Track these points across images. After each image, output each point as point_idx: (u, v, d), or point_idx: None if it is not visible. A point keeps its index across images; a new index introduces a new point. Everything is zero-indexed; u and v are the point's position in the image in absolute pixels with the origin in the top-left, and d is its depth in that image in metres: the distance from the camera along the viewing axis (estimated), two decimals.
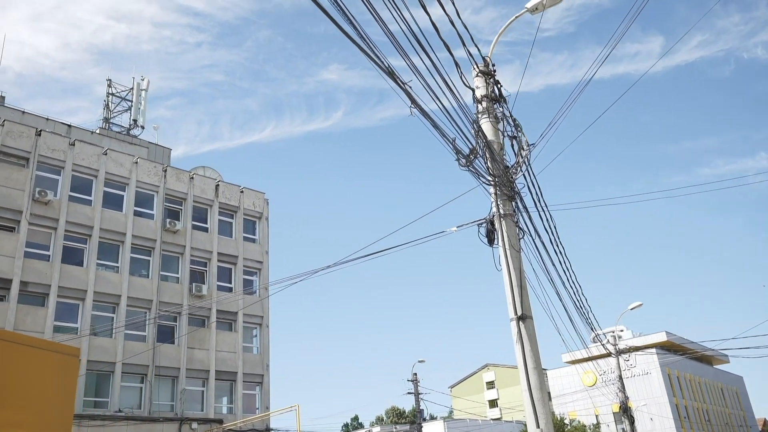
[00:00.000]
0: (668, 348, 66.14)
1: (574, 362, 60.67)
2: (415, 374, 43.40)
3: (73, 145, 30.04)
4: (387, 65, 5.45)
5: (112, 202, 30.70)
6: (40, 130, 29.36)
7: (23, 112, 31.81)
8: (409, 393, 43.40)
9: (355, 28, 5.74)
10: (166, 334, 30.51)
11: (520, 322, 9.14)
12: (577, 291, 15.27)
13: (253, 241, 35.53)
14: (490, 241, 10.12)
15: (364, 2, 5.62)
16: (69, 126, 33.11)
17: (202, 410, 30.49)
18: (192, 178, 33.91)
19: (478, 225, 10.22)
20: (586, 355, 29.60)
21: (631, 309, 30.61)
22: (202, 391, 30.88)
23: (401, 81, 5.90)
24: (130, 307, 29.47)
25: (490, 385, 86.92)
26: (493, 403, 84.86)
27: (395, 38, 6.50)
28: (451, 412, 79.66)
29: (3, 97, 31.80)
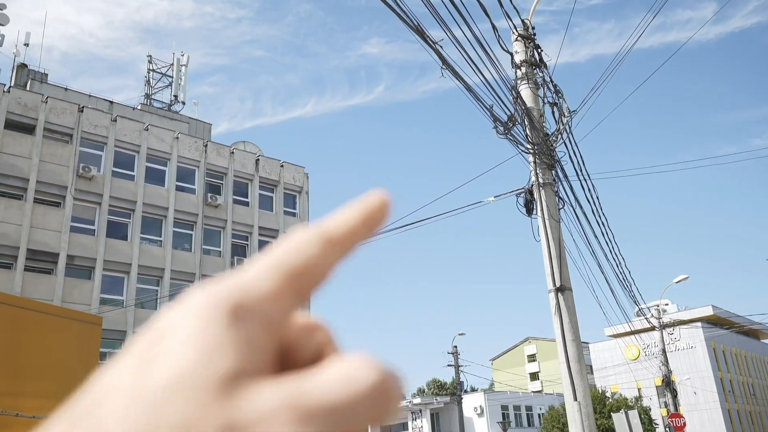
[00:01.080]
0: (714, 322, 64.67)
1: (616, 336, 59.85)
2: (455, 347, 43.39)
3: (115, 121, 30.46)
4: (416, 23, 5.23)
5: (155, 177, 31.13)
6: (83, 107, 29.83)
7: (66, 89, 32.34)
8: (449, 365, 43.50)
9: None
10: None
11: (559, 294, 8.90)
12: (620, 263, 14.87)
13: (294, 215, 35.69)
14: (529, 211, 9.85)
15: None
16: (111, 102, 33.57)
17: None
18: (232, 152, 34.13)
19: (517, 195, 9.97)
20: (629, 329, 29.06)
21: (677, 282, 29.86)
22: None
23: (431, 40, 5.66)
24: (174, 280, 29.99)
25: (532, 358, 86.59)
26: (534, 376, 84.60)
27: (433, 7, 6.26)
28: (491, 385, 79.74)
29: (46, 75, 32.37)
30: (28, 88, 30.70)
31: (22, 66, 32.14)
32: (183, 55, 38.67)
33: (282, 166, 35.87)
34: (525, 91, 10.17)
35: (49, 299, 25.80)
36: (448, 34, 6.81)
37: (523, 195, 9.88)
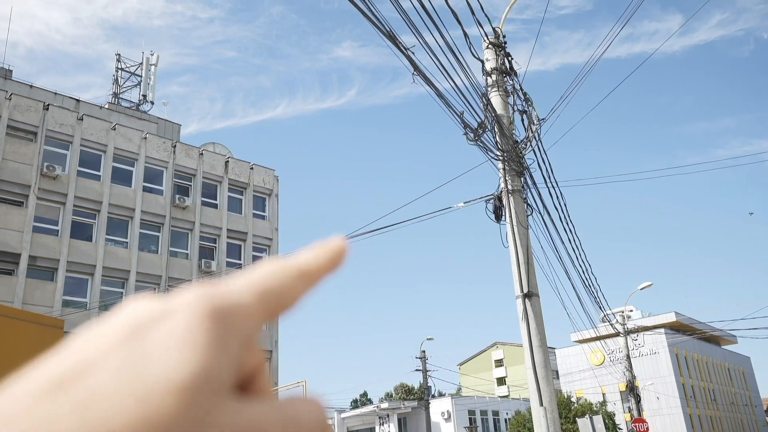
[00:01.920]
0: (677, 328, 65.92)
1: (582, 341, 60.66)
2: (423, 351, 43.49)
3: (81, 119, 29.93)
4: (388, 29, 5.24)
5: (121, 177, 30.66)
6: (48, 105, 29.25)
7: (31, 86, 31.70)
8: (417, 370, 43.57)
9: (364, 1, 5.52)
10: None
11: (526, 300, 8.99)
12: (587, 270, 15.06)
13: (263, 217, 35.46)
14: (498, 217, 9.93)
15: None
16: (77, 101, 33.00)
17: None
18: (201, 154, 33.79)
19: (486, 201, 10.04)
20: (594, 335, 29.49)
21: (641, 289, 30.38)
22: None
23: (403, 46, 5.69)
24: (140, 283, 29.54)
25: (499, 363, 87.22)
26: (501, 381, 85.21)
27: (405, 13, 6.28)
28: (459, 390, 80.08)
29: (11, 71, 31.69)
30: None
31: None
32: (152, 54, 38.23)
33: (252, 168, 35.62)
34: (495, 99, 10.27)
35: (9, 301, 25.18)
36: (420, 39, 6.85)
37: (492, 201, 9.96)
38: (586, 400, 47.85)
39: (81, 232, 28.80)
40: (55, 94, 32.30)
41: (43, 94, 31.66)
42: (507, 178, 9.74)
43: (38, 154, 28.02)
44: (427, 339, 43.75)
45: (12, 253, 26.34)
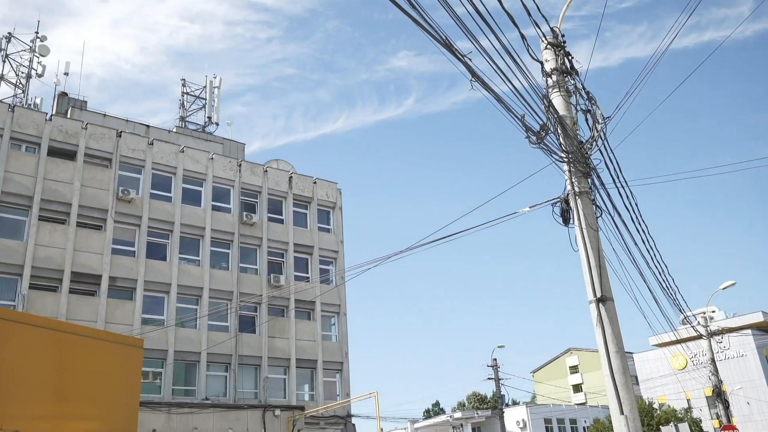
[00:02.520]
0: (765, 329, 62.73)
1: (662, 345, 58.48)
2: (495, 359, 42.91)
3: (152, 144, 31.09)
4: (443, 37, 5.20)
5: (191, 197, 31.63)
6: (121, 132, 30.53)
7: (104, 115, 33.14)
8: (489, 378, 42.98)
9: (413, 6, 5.51)
10: (247, 324, 31.27)
11: (600, 305, 8.72)
12: (663, 271, 14.53)
13: (328, 230, 35.87)
14: (566, 220, 9.70)
15: None
16: (147, 126, 34.28)
17: (285, 397, 31.13)
18: (266, 171, 34.51)
19: (552, 204, 9.82)
20: (674, 338, 28.33)
21: (723, 288, 29.06)
22: (284, 379, 31.51)
23: (460, 53, 5.63)
24: (212, 299, 30.33)
25: (574, 369, 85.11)
26: (577, 388, 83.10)
27: (460, 19, 6.24)
28: (533, 398, 78.54)
29: (85, 102, 33.22)
30: (68, 116, 31.56)
31: (63, 95, 33.06)
32: (215, 77, 39.34)
33: (315, 182, 36.12)
34: (557, 100, 10.05)
35: (92, 320, 26.29)
36: (476, 44, 6.78)
37: (558, 204, 9.73)
38: (669, 406, 46.07)
39: (156, 252, 29.83)
40: (127, 121, 33.65)
41: (116, 121, 33.05)
42: (573, 180, 9.50)
43: (113, 179, 29.25)
44: (498, 347, 43.17)
45: (94, 275, 27.53)
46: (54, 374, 4.29)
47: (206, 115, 38.03)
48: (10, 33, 33.15)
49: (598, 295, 8.77)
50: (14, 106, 28.50)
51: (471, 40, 6.66)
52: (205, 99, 38.50)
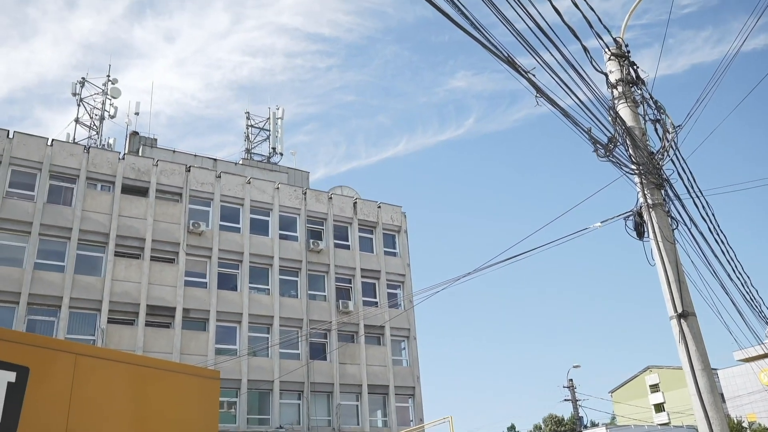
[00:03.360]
0: None
1: (748, 360, 55.59)
2: (571, 380, 41.69)
3: (219, 177, 31.96)
4: (506, 54, 5.12)
5: (259, 227, 32.26)
6: (190, 167, 31.53)
7: (174, 151, 34.31)
8: (566, 400, 41.76)
9: (474, 26, 5.47)
10: (318, 351, 31.45)
11: (682, 320, 8.32)
12: (746, 282, 13.81)
13: (394, 254, 35.86)
14: (640, 234, 9.35)
15: (486, 3, 5.33)
16: (215, 160, 35.28)
17: (358, 424, 31.03)
18: (330, 198, 34.90)
19: (625, 218, 9.50)
20: (762, 352, 26.85)
21: None
22: (357, 405, 31.44)
23: (523, 69, 5.53)
24: (283, 327, 30.69)
25: (654, 388, 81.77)
26: (659, 407, 79.72)
27: (521, 35, 6.15)
28: (613, 419, 75.74)
29: (155, 140, 34.52)
30: (140, 154, 32.84)
31: (134, 134, 34.46)
32: (278, 109, 40.22)
33: (379, 207, 36.27)
34: (624, 111, 9.77)
35: (168, 352, 27.00)
36: (538, 59, 6.66)
37: (631, 218, 9.40)
38: (760, 424, 43.62)
39: (226, 282, 30.48)
40: (195, 156, 34.73)
41: (184, 157, 34.16)
42: (646, 192, 9.17)
43: (184, 213, 30.16)
44: (574, 366, 41.94)
45: (168, 307, 28.33)
46: (134, 408, 4.36)
47: (270, 146, 38.86)
48: (83, 78, 34.88)
49: (680, 310, 8.38)
50: (89, 148, 29.87)
51: (533, 56, 6.54)
52: (269, 130, 39.37)
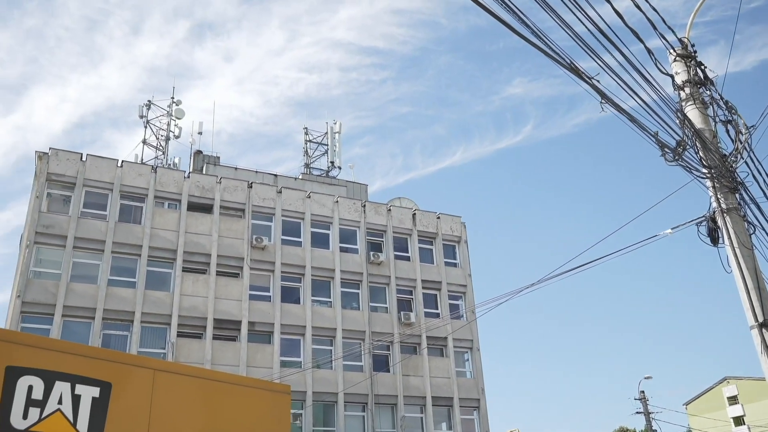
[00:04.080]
0: None
1: None
2: (642, 392, 40.42)
3: (280, 192, 32.53)
4: (569, 61, 5.04)
5: (319, 241, 32.64)
6: (251, 183, 32.22)
7: (236, 168, 35.13)
8: (638, 412, 40.48)
9: (534, 33, 5.41)
10: (381, 363, 31.49)
11: (763, 330, 7.96)
12: None
13: (455, 265, 35.65)
14: (714, 240, 9.01)
15: (543, 8, 5.27)
16: (275, 175, 35.93)
17: None
18: (389, 210, 35.03)
19: (697, 224, 9.17)
20: None
21: None
22: (421, 418, 31.28)
23: (587, 76, 5.43)
24: (346, 339, 30.87)
25: (733, 400, 78.29)
26: (738, 421, 76.27)
27: (581, 38, 6.06)
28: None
29: (218, 158, 35.42)
30: (204, 172, 33.75)
31: (198, 152, 35.47)
32: (335, 123, 40.70)
33: (438, 217, 36.16)
34: (692, 113, 9.46)
35: (235, 365, 27.54)
36: (600, 63, 6.53)
37: (704, 223, 9.07)
38: None
39: (289, 295, 30.92)
40: (256, 172, 35.46)
41: (246, 173, 34.92)
42: (719, 196, 8.84)
43: (247, 228, 30.80)
44: (645, 378, 40.63)
45: (234, 321, 28.93)
46: (209, 421, 4.46)
47: (329, 160, 39.32)
48: (149, 101, 36.16)
49: (761, 319, 8.02)
50: (156, 167, 30.90)
51: (595, 59, 6.42)
52: (327, 145, 39.86)
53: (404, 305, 33.36)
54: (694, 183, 9.26)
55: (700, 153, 9.06)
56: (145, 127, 35.74)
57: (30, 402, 3.59)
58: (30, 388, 3.60)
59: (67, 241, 27.36)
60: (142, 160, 34.06)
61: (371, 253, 33.13)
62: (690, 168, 8.86)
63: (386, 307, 32.83)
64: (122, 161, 30.08)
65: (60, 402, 3.69)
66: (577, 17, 6.00)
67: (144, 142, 35.24)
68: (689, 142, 8.94)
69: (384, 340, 31.51)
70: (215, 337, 28.47)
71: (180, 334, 27.92)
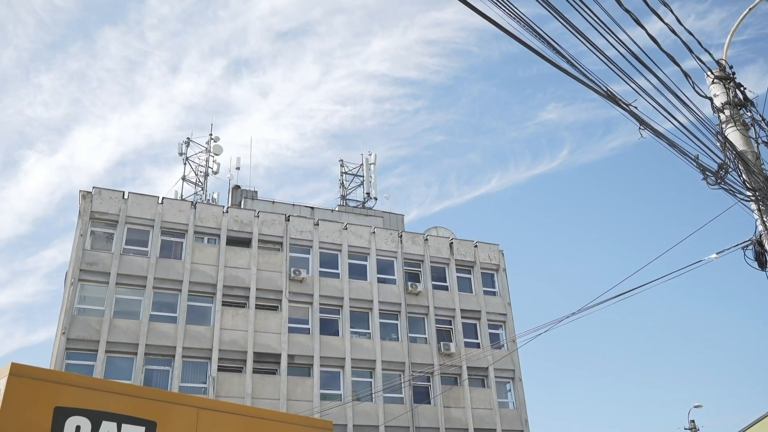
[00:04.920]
0: None
1: None
2: (692, 421, 39.11)
3: (317, 225, 32.75)
4: (605, 89, 5.01)
5: (357, 272, 32.65)
6: (289, 216, 32.53)
7: (273, 202, 35.55)
8: None
9: (568, 61, 5.41)
10: (421, 395, 31.12)
11: None
12: None
13: (494, 294, 35.26)
14: (762, 264, 8.78)
15: (574, 33, 5.28)
16: (312, 208, 36.23)
17: None
18: (426, 239, 34.94)
19: (743, 248, 8.95)
20: None
21: None
22: None
23: (624, 102, 5.38)
24: (385, 371, 30.64)
25: None
26: None
27: (614, 63, 6.03)
28: None
29: (256, 192, 35.91)
30: (242, 206, 34.21)
31: (236, 188, 36.02)
32: (370, 154, 40.98)
33: (476, 246, 35.92)
34: (733, 135, 9.30)
35: (275, 398, 27.52)
36: (636, 89, 6.47)
37: (751, 247, 8.86)
38: None
39: (328, 328, 30.90)
40: (293, 205, 35.82)
41: (283, 207, 35.30)
42: (765, 219, 8.62)
43: (285, 261, 31.02)
44: (695, 406, 39.35)
45: (274, 354, 28.99)
46: None
47: (365, 192, 39.51)
48: (188, 138, 36.98)
49: None
50: (196, 203, 31.46)
51: (630, 85, 6.37)
52: (362, 176, 40.11)
53: (443, 335, 33.04)
54: (737, 207, 9.07)
55: (743, 175, 8.88)
56: (185, 163, 36.50)
57: None
58: (78, 429, 3.66)
59: (110, 277, 27.91)
60: (181, 196, 34.72)
61: (409, 283, 33.00)
62: (733, 191, 8.68)
63: (425, 338, 32.55)
64: (162, 198, 30.70)
65: None
66: (609, 42, 5.99)
67: (183, 178, 35.96)
68: (731, 165, 8.77)
69: (424, 371, 31.19)
70: (255, 371, 28.55)
71: (221, 368, 28.07)
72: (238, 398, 27.05)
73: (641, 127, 6.12)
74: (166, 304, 28.71)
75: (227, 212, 31.53)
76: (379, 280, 32.82)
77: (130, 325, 27.51)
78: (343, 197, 39.73)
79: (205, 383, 27.49)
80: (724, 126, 9.36)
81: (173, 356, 27.56)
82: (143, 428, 3.88)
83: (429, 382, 31.59)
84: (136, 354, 27.04)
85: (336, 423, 27.84)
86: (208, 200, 35.95)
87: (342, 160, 40.91)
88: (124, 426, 3.79)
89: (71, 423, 3.65)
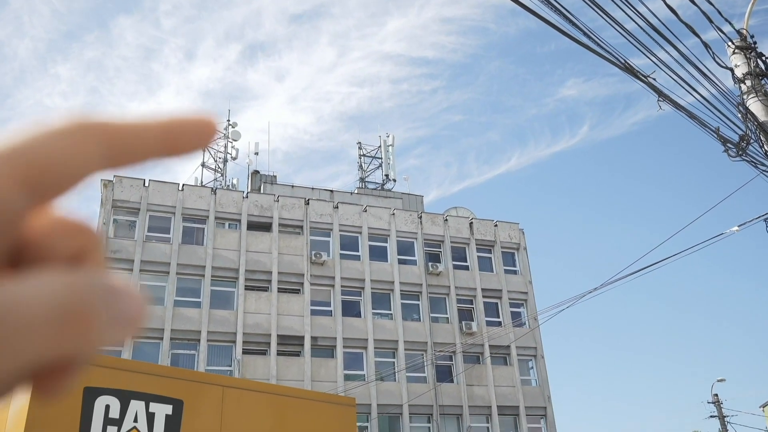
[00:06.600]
0: None
1: None
2: (716, 395, 38.92)
3: (337, 208, 32.85)
4: (623, 61, 4.97)
5: (377, 254, 32.76)
6: (308, 200, 32.66)
7: (292, 186, 35.68)
8: (712, 416, 38.97)
9: (586, 34, 5.36)
10: (444, 374, 31.29)
11: None
12: None
13: (515, 272, 35.20)
14: None
15: (592, 7, 5.23)
16: (331, 191, 36.30)
17: None
18: (446, 220, 34.90)
19: (766, 220, 8.86)
20: None
21: None
22: (487, 427, 30.90)
23: (642, 75, 5.34)
24: (408, 351, 30.82)
25: None
26: None
27: (633, 36, 5.97)
28: None
29: (275, 177, 36.05)
30: (261, 191, 34.39)
31: (255, 173, 36.19)
32: (388, 136, 40.86)
33: (496, 225, 35.81)
34: (755, 106, 9.16)
35: (300, 380, 27.86)
36: (655, 61, 6.40)
37: None
38: None
39: (350, 309, 31.12)
40: (312, 189, 35.92)
41: (303, 191, 35.42)
42: None
43: (306, 244, 31.21)
44: (718, 380, 39.11)
45: (297, 336, 29.30)
46: None
47: (383, 173, 39.47)
48: None
49: None
50: (216, 189, 31.70)
51: (648, 56, 6.30)
52: (381, 158, 40.05)
53: (465, 315, 33.10)
54: (759, 178, 8.96)
55: (765, 147, 8.76)
56: (204, 150, 36.67)
57: (107, 421, 3.75)
58: (107, 407, 3.76)
59: (134, 264, 28.31)
60: (201, 182, 34.98)
61: (430, 263, 33.05)
62: (755, 163, 8.57)
63: (447, 317, 32.65)
64: (183, 185, 30.96)
65: (135, 420, 3.84)
66: (627, 15, 5.92)
67: (203, 165, 36.19)
68: (753, 136, 8.66)
69: (446, 350, 31.32)
70: (279, 353, 28.88)
71: (245, 351, 28.44)
72: (263, 380, 27.41)
73: (660, 98, 6.06)
74: (190, 290, 29.08)
75: (247, 197, 31.72)
76: (400, 262, 32.91)
77: (156, 310, 27.91)
78: (362, 180, 39.73)
79: (230, 366, 27.89)
80: (745, 97, 9.22)
81: (198, 341, 27.97)
82: (171, 406, 3.97)
83: (451, 361, 31.73)
84: (162, 339, 27.48)
85: (360, 402, 28.09)
86: (228, 186, 36.16)
87: (360, 143, 40.87)
88: (151, 404, 3.89)
89: (101, 402, 3.75)
